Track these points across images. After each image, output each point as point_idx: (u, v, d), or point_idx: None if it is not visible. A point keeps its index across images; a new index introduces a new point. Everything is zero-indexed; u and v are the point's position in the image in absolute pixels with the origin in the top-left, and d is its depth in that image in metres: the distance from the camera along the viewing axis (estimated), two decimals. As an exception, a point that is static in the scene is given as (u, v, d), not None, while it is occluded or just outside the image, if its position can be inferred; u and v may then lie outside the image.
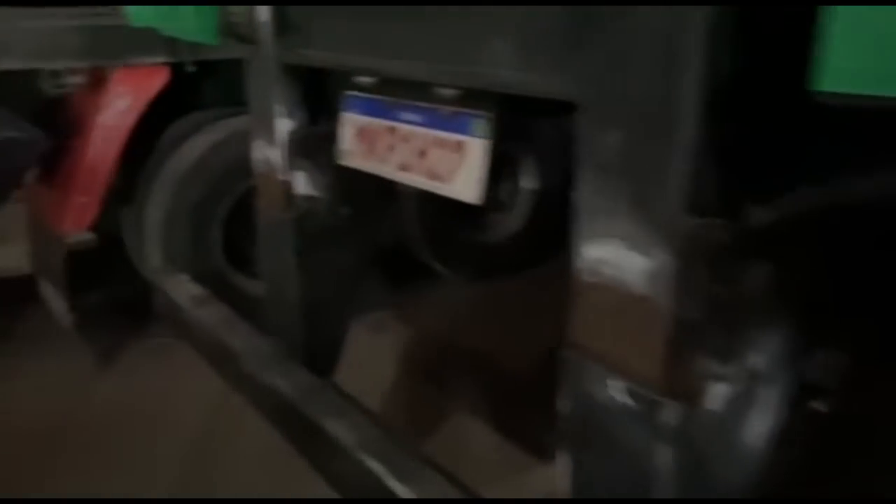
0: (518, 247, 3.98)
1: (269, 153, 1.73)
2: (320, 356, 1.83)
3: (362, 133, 1.50)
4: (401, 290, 3.77)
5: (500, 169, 3.85)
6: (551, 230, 3.91)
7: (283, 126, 1.68)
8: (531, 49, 1.01)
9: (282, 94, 1.67)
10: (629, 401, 0.94)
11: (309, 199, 1.74)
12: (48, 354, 3.21)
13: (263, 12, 1.61)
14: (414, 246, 3.65)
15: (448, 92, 1.25)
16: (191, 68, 3.06)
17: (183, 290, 2.22)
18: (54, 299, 3.22)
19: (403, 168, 1.40)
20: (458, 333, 3.45)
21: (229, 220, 3.27)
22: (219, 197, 3.21)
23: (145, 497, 2.36)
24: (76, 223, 2.96)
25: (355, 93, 1.52)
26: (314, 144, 1.71)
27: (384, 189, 1.76)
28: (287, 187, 1.71)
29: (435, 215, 3.59)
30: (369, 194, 1.79)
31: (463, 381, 3.09)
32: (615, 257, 0.94)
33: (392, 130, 1.42)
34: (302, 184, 1.72)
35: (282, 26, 1.60)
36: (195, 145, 3.18)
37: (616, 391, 0.95)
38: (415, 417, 2.86)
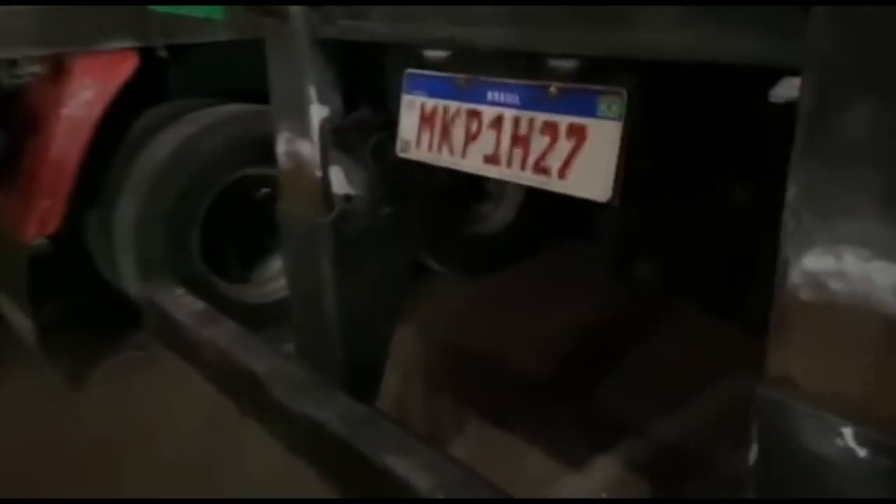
0: (511, 238, 3.78)
1: (299, 146, 1.48)
2: (361, 379, 1.59)
3: (431, 119, 1.26)
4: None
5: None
6: (543, 218, 3.73)
7: (317, 113, 1.43)
8: (728, 6, 0.78)
9: (315, 75, 1.41)
10: (875, 456, 0.73)
11: (347, 198, 1.49)
12: (14, 372, 2.88)
13: (293, -22, 1.35)
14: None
15: (566, 64, 1.02)
16: (163, 53, 2.75)
17: (183, 305, 1.94)
18: (14, 312, 2.89)
19: (491, 160, 1.16)
20: (460, 332, 3.23)
21: (207, 221, 2.98)
22: (196, 196, 2.90)
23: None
24: (40, 228, 2.64)
25: (420, 71, 1.28)
26: (353, 134, 1.46)
27: (425, 183, 1.53)
28: (322, 186, 1.46)
29: (426, 208, 3.36)
30: (411, 190, 1.55)
31: (473, 384, 2.88)
32: (855, 270, 0.72)
33: (474, 115, 1.18)
34: (339, 181, 1.47)
35: (316, -5, 1.35)
36: (169, 139, 2.87)
37: (854, 442, 0.74)
38: (428, 424, 2.65)
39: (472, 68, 1.19)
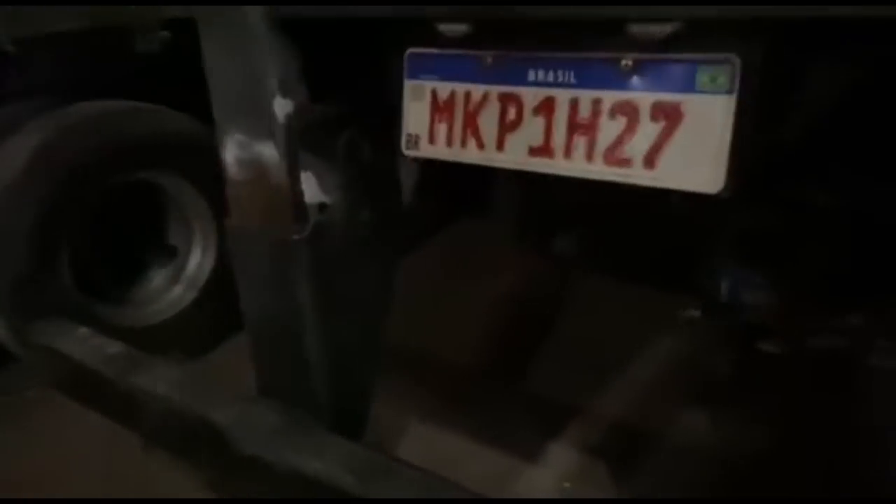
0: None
1: (257, 150, 1.21)
2: (348, 417, 1.37)
3: (448, 107, 1.04)
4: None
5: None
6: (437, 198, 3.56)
7: (283, 109, 1.17)
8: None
9: (277, 64, 1.15)
10: None
11: (321, 207, 1.25)
12: None
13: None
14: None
15: (658, 30, 0.83)
16: (9, 48, 2.30)
17: (93, 349, 1.62)
18: None
19: (541, 152, 0.97)
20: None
21: (76, 237, 2.57)
22: (63, 209, 2.48)
23: None
24: None
25: (428, 50, 1.05)
26: (325, 132, 1.22)
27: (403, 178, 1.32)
28: (292, 195, 1.21)
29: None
30: (389, 189, 1.33)
31: (406, 381, 2.69)
32: None
33: (510, 99, 0.98)
34: (312, 188, 1.23)
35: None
36: (24, 145, 2.42)
37: None
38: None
39: (503, 42, 0.98)
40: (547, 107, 0.96)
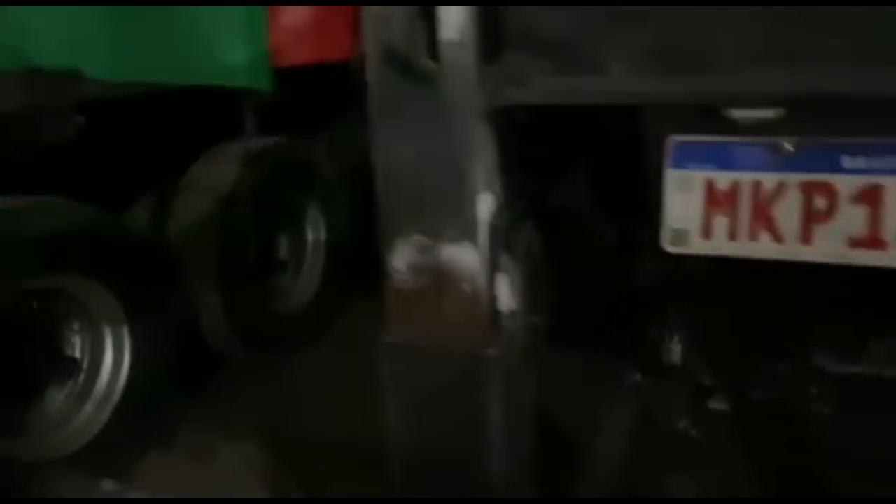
0: (317, 309, 3.36)
1: (447, 254, 1.03)
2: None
3: (729, 199, 0.94)
4: (204, 396, 2.88)
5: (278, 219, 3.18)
6: (343, 290, 3.33)
7: (487, 206, 1.01)
8: None
9: (486, 156, 1.00)
10: None
11: (511, 315, 1.09)
12: None
13: (459, 20, 0.93)
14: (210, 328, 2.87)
15: None
16: None
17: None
18: None
19: (866, 244, 0.90)
20: (304, 421, 2.72)
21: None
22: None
23: None
24: None
25: (700, 138, 0.95)
26: (514, 228, 1.07)
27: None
28: (490, 305, 1.04)
29: (236, 287, 2.88)
30: (550, 287, 1.20)
31: (350, 481, 2.44)
32: None
33: (819, 188, 0.91)
34: (505, 294, 1.07)
35: (495, 43, 0.94)
36: None
37: None
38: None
39: (805, 126, 0.91)
40: (871, 195, 0.90)
